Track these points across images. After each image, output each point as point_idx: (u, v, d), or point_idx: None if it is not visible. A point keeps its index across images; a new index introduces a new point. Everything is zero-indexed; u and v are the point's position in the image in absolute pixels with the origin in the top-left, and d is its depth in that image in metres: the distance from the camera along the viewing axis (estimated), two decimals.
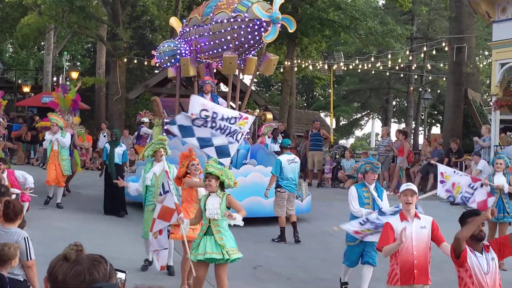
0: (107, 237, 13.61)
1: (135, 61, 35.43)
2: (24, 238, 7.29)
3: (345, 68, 34.10)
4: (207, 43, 16.55)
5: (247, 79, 19.86)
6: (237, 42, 15.87)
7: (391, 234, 7.59)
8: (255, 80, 28.18)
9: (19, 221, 7.47)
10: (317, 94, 57.19)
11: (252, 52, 16.83)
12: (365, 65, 32.63)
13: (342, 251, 12.86)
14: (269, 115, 16.36)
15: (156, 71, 37.73)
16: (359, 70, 36.10)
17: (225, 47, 16.13)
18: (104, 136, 26.18)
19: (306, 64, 33.17)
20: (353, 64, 32.63)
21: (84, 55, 50.14)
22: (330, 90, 39.26)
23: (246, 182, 15.33)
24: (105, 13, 32.38)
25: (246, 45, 15.99)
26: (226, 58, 15.85)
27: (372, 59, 31.84)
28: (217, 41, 16.26)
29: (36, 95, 36.60)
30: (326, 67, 35.25)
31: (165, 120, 17.53)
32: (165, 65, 18.22)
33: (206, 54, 17.06)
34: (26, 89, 41.23)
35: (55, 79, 38.75)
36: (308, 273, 10.64)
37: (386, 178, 23.30)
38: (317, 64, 34.66)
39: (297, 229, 14.20)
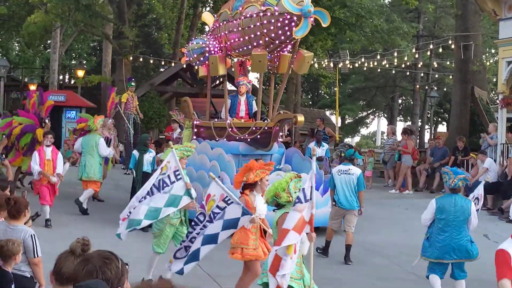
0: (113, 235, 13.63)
1: (141, 60, 35.47)
2: (31, 235, 7.29)
3: (351, 66, 34.08)
4: (236, 39, 15.37)
5: (251, 76, 19.01)
6: (267, 38, 14.56)
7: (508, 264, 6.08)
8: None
9: (24, 218, 7.44)
10: (322, 92, 57.16)
11: (287, 49, 15.43)
12: (371, 63, 32.61)
13: (342, 250, 12.91)
14: (301, 118, 14.45)
15: (161, 70, 37.78)
16: (365, 68, 36.06)
17: (255, 44, 14.80)
18: (111, 134, 26.16)
19: (312, 62, 33.13)
20: (359, 62, 32.61)
21: (90, 53, 50.23)
22: (335, 88, 39.27)
23: None
24: (111, 11, 32.41)
25: (277, 42, 14.69)
26: (255, 56, 14.50)
27: (378, 57, 31.80)
28: (246, 38, 14.96)
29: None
30: (331, 65, 35.23)
31: (195, 122, 16.81)
32: (194, 64, 17.13)
33: (236, 51, 15.85)
34: (32, 88, 41.28)
35: (61, 77, 38.81)
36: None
37: (392, 177, 23.28)
38: (322, 62, 34.63)
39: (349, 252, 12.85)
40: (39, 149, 14.36)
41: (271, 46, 14.81)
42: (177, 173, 10.25)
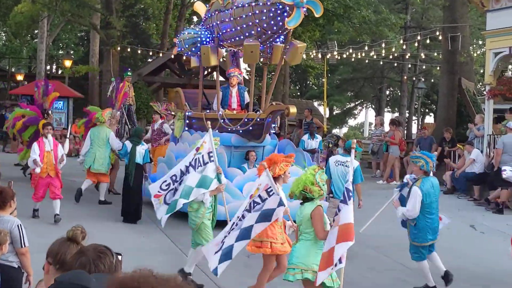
0: (101, 223, 13.63)
1: (129, 50, 35.39)
2: (18, 225, 7.28)
3: (339, 57, 34.10)
4: (228, 29, 15.17)
5: (242, 67, 18.80)
6: (259, 29, 14.33)
7: None
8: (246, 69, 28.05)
9: (10, 209, 7.41)
10: (310, 83, 57.18)
11: (279, 39, 15.20)
12: (359, 54, 32.61)
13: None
14: (293, 109, 14.23)
15: (149, 60, 37.68)
16: (353, 59, 36.08)
17: (247, 34, 14.61)
18: None
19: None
20: (347, 53, 32.62)
21: (77, 43, 50.01)
22: (323, 79, 39.27)
23: None
24: (98, 1, 32.28)
25: (269, 32, 14.42)
26: (247, 46, 14.24)
27: (366, 48, 31.81)
28: (238, 28, 14.80)
29: (30, 83, 36.52)
30: (319, 56, 35.24)
31: (187, 113, 16.56)
32: (186, 54, 17.09)
33: (228, 41, 15.69)
34: (19, 77, 41.15)
35: (48, 67, 38.64)
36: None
37: (380, 167, 23.36)
38: (310, 53, 34.63)
39: None
40: (38, 140, 14.25)
41: (264, 36, 14.63)
42: (210, 154, 10.60)
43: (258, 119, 14.72)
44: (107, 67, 31.24)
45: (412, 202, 10.18)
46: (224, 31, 15.32)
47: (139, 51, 35.86)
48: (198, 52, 15.93)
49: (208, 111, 16.29)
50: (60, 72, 45.69)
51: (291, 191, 8.32)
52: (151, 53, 36.78)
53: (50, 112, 18.24)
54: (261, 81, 16.38)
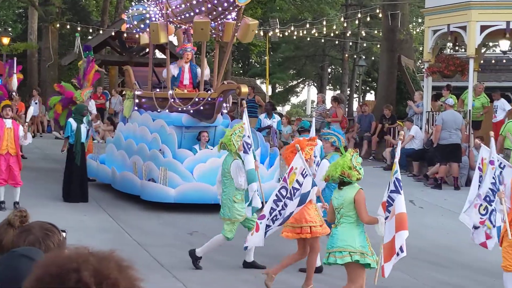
0: (41, 202, 13.45)
1: (68, 27, 34.75)
2: None
3: (281, 35, 34.10)
4: (178, 6, 14.87)
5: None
6: (209, 5, 14.08)
7: None
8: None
9: None
10: (253, 61, 57.10)
11: (231, 16, 14.88)
12: (301, 32, 32.71)
13: None
14: (244, 88, 14.00)
15: (89, 37, 37.12)
16: (295, 37, 36.17)
17: (197, 11, 14.27)
18: (36, 103, 25.72)
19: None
20: (289, 31, 32.68)
21: (15, 20, 48.90)
22: (265, 57, 39.27)
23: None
24: None
25: (220, 9, 14.18)
26: (197, 23, 13.96)
27: (307, 26, 31.92)
28: (188, 4, 14.46)
29: None
30: (261, 33, 35.21)
31: (136, 92, 16.05)
32: (135, 31, 16.63)
33: (178, 18, 15.27)
34: None
35: None
36: (242, 239, 10.70)
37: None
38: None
39: None
40: None
41: (214, 13, 14.39)
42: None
43: (209, 99, 14.45)
44: (46, 44, 30.69)
45: (320, 174, 10.29)
46: (174, 7, 15.02)
47: (78, 28, 35.16)
48: (147, 29, 15.59)
49: (158, 90, 15.88)
50: None
51: (328, 175, 8.34)
52: (91, 30, 36.18)
53: (14, 94, 17.80)
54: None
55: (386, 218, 8.06)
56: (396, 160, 8.44)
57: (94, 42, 31.67)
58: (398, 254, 7.91)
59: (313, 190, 8.95)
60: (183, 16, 15.10)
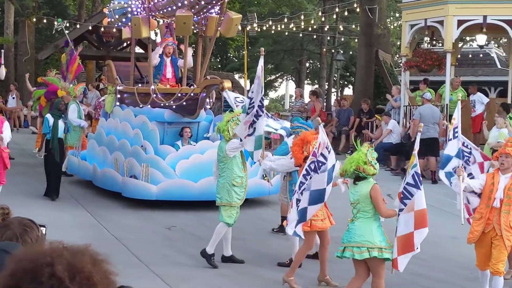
0: (19, 199, 13.36)
1: (45, 21, 34.49)
2: None
3: (259, 30, 34.05)
4: None
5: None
6: None
7: None
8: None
9: None
10: (231, 55, 57.05)
11: (214, 10, 14.68)
12: (279, 26, 32.68)
13: (249, 212, 13.01)
14: (228, 83, 13.83)
15: (66, 32, 36.88)
16: (273, 32, 36.13)
17: (179, 4, 14.04)
18: (13, 98, 25.59)
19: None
20: (267, 26, 32.64)
21: None
22: (244, 52, 39.21)
23: (203, 160, 13.64)
24: None
25: (203, 2, 14.02)
26: (179, 17, 13.79)
27: (285, 20, 31.92)
28: None
29: None
30: (239, 28, 35.13)
31: (118, 87, 15.75)
32: (116, 25, 16.46)
33: (160, 12, 15.02)
34: None
35: None
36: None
37: None
38: None
39: None
40: None
41: (197, 7, 14.20)
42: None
43: (192, 94, 14.30)
44: (22, 38, 30.48)
45: (288, 161, 10.30)
46: (156, 1, 14.80)
47: (55, 23, 34.96)
48: (129, 23, 15.34)
49: (140, 85, 15.61)
50: None
51: (343, 170, 8.34)
52: (68, 25, 35.94)
53: None
54: (180, 53, 15.97)
55: (401, 210, 8.08)
56: (415, 152, 8.31)
57: (71, 36, 31.41)
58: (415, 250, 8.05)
59: (337, 165, 9.02)
60: (165, 10, 14.86)
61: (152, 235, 12.01)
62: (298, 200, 8.83)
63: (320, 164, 8.80)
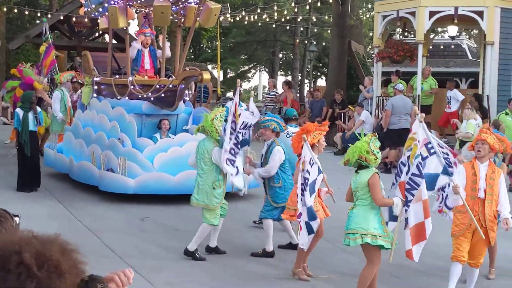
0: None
1: (16, 11, 34.16)
2: None
3: (232, 20, 34.03)
4: None
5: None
6: None
7: None
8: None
9: None
10: (204, 46, 56.92)
11: (193, 0, 14.42)
12: (252, 17, 32.67)
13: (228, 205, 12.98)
14: (207, 75, 13.61)
15: (37, 21, 36.57)
16: (246, 22, 36.11)
17: None
18: None
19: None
20: (240, 16, 32.62)
21: None
22: (217, 42, 39.15)
23: (182, 153, 13.29)
24: None
25: None
26: (157, 7, 13.47)
27: (258, 11, 31.90)
28: None
29: None
30: None
31: (95, 79, 15.37)
32: (93, 15, 16.05)
33: (138, 2, 14.68)
34: None
35: None
36: (195, 225, 10.71)
37: None
38: None
39: None
40: None
41: None
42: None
43: (171, 86, 13.96)
44: None
45: (276, 161, 10.33)
46: None
47: (26, 12, 34.62)
48: (106, 13, 14.94)
49: (117, 76, 15.23)
50: None
51: (346, 159, 8.40)
52: (39, 14, 35.62)
53: None
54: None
55: (410, 201, 8.10)
56: (417, 142, 8.27)
57: (42, 26, 31.20)
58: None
59: (319, 178, 9.06)
60: (143, 0, 14.58)
61: (127, 226, 11.97)
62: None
63: (306, 181, 8.92)
